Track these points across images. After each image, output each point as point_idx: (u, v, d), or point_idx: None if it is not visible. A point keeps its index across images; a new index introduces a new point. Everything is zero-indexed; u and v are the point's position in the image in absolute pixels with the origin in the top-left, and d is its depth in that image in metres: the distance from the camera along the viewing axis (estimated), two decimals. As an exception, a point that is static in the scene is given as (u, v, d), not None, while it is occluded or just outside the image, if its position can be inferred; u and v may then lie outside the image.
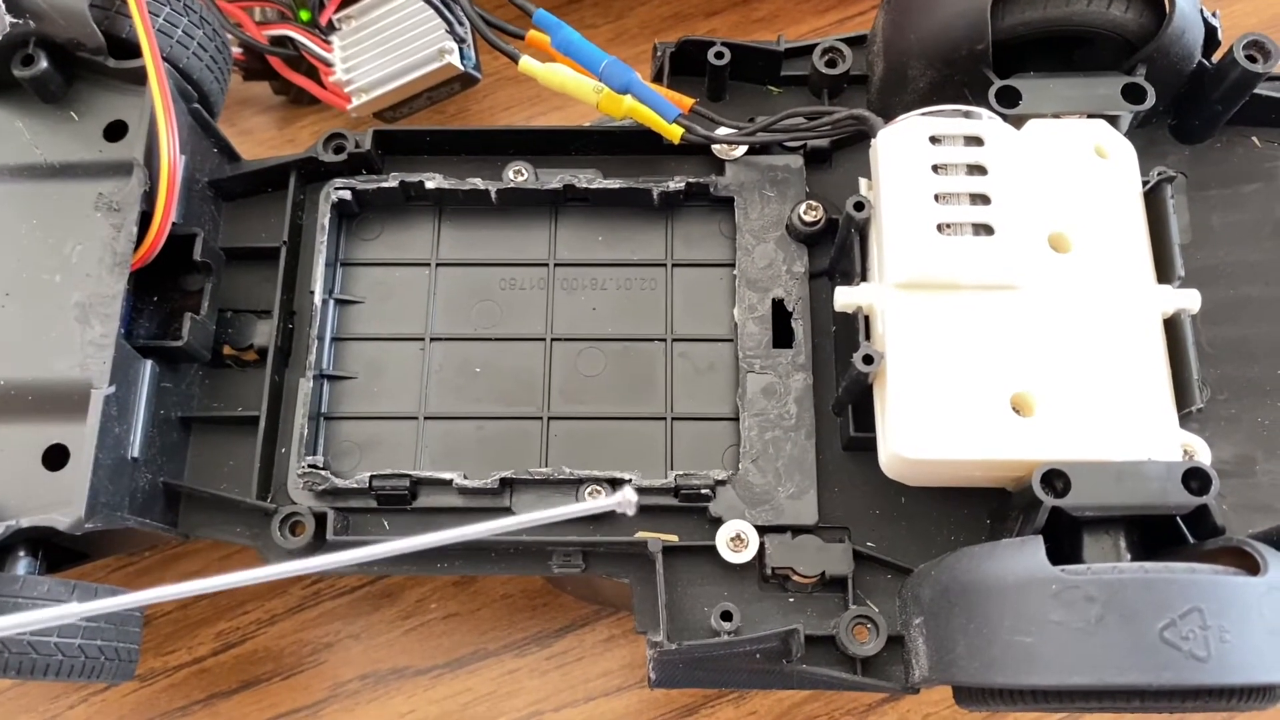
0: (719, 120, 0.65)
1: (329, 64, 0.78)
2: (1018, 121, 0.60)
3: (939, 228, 0.57)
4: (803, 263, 0.65)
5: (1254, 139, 0.67)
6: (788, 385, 0.63)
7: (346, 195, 0.67)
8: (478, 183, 0.68)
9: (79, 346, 0.58)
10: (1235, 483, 0.59)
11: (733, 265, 0.66)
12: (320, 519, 0.61)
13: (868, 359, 0.55)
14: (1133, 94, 0.61)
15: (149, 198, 0.61)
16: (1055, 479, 0.52)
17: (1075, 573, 0.48)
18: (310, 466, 0.62)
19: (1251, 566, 0.49)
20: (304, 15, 0.78)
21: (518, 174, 0.68)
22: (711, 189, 0.67)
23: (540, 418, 0.65)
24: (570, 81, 0.65)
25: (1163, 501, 0.52)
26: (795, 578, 0.59)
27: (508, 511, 0.62)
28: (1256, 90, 0.63)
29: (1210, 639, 0.46)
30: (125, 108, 0.64)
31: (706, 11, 0.90)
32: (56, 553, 0.60)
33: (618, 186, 0.67)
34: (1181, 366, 0.56)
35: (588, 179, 0.67)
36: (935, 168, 0.58)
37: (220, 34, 0.70)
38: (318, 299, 0.65)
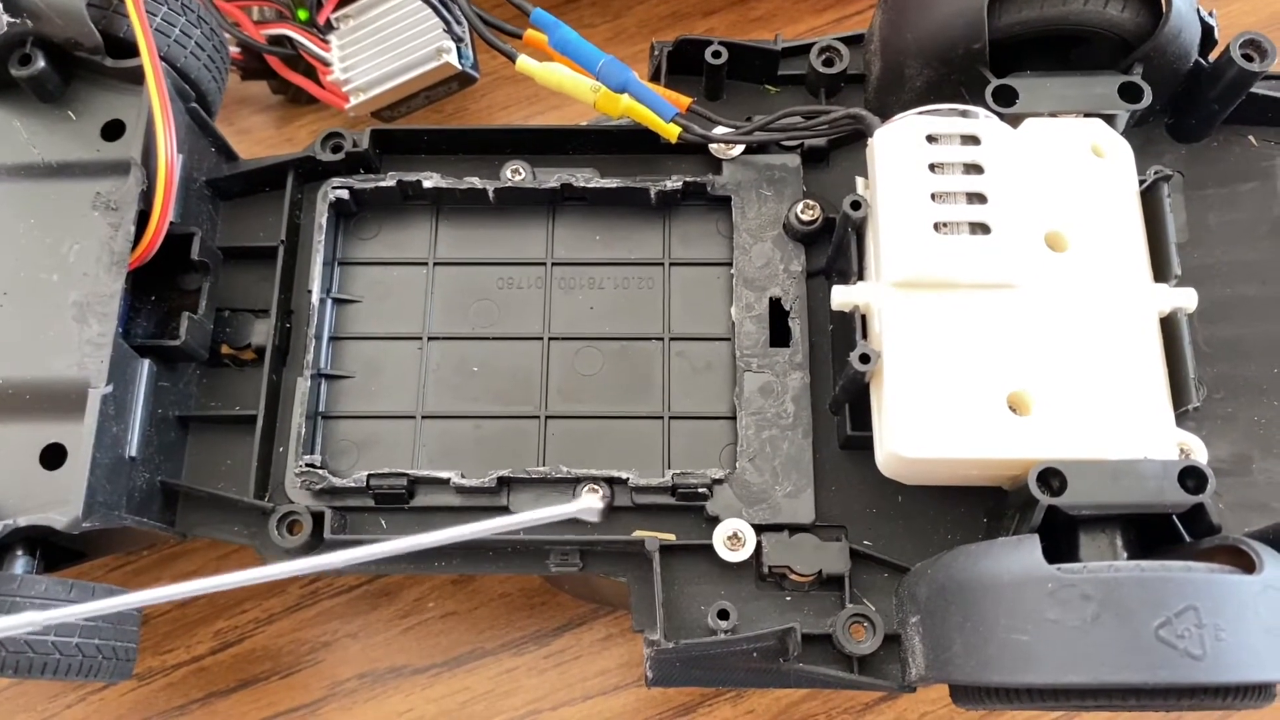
0: (716, 119, 0.65)
1: (327, 63, 0.79)
2: (1014, 120, 0.60)
3: (936, 226, 0.57)
4: (800, 262, 0.66)
5: (1250, 138, 0.67)
6: (785, 384, 0.63)
7: (344, 194, 0.67)
8: (475, 182, 0.68)
9: (76, 346, 0.58)
10: (1231, 481, 0.60)
11: (730, 264, 0.66)
12: (318, 518, 0.61)
13: (864, 358, 0.55)
14: (1129, 93, 0.61)
15: (146, 197, 0.61)
16: (1051, 478, 0.52)
17: (1071, 571, 0.48)
18: (308, 465, 0.62)
19: (1247, 565, 0.49)
20: (302, 14, 0.78)
21: (515, 173, 0.68)
22: (709, 188, 0.67)
23: (538, 417, 0.65)
24: (568, 81, 0.65)
25: (1159, 500, 0.52)
26: (792, 576, 0.59)
27: (505, 510, 0.62)
28: (1253, 89, 0.63)
29: (1206, 637, 0.46)
30: (123, 107, 0.64)
31: (704, 11, 0.90)
32: (54, 552, 0.60)
33: (615, 186, 0.67)
34: (1178, 365, 0.56)
35: (585, 178, 0.67)
36: (932, 166, 0.58)
37: (218, 33, 0.70)
38: (315, 298, 0.65)
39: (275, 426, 0.65)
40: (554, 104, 0.86)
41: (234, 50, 0.79)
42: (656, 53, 0.71)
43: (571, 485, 0.62)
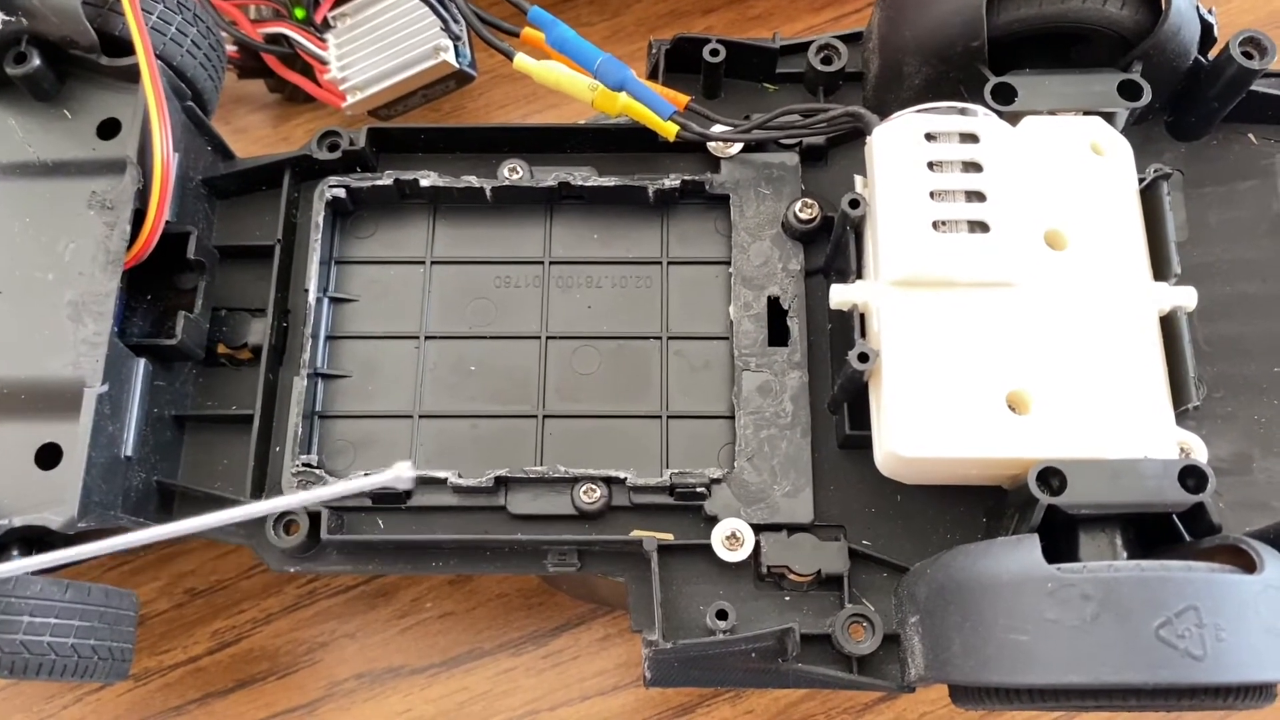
0: (714, 118, 0.64)
1: (324, 62, 0.78)
2: (1013, 118, 0.60)
3: (934, 225, 0.56)
4: (798, 260, 0.65)
5: (1250, 136, 0.67)
6: (783, 383, 0.63)
7: (341, 193, 0.67)
8: (473, 180, 0.67)
9: (72, 345, 0.58)
10: (1232, 480, 0.59)
11: (728, 263, 0.66)
12: (315, 518, 0.61)
13: (863, 357, 0.55)
14: (1129, 91, 0.61)
15: (142, 196, 0.61)
16: (1051, 477, 0.52)
17: (1071, 571, 0.48)
18: (304, 465, 0.62)
19: (1248, 564, 0.49)
20: (299, 13, 0.78)
21: (513, 172, 0.68)
22: (707, 186, 0.67)
23: (535, 416, 0.65)
24: (565, 79, 0.65)
25: (1159, 499, 0.52)
26: (791, 576, 0.59)
27: (503, 510, 0.62)
28: (1252, 87, 0.63)
29: (1206, 637, 0.46)
30: (118, 105, 0.64)
31: (702, 9, 0.90)
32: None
33: (613, 184, 0.67)
34: (1178, 364, 0.56)
35: (583, 177, 0.67)
36: (931, 165, 0.58)
37: (214, 32, 0.70)
38: (312, 297, 0.65)
39: (272, 426, 0.65)
40: (551, 102, 0.86)
41: (231, 49, 0.79)
42: (654, 51, 0.70)
43: (569, 485, 0.61)
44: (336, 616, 0.74)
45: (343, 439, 0.65)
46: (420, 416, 0.65)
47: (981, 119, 0.59)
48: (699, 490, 0.60)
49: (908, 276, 0.56)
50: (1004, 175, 0.57)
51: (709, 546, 0.59)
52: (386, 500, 0.62)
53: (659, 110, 0.63)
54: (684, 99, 0.64)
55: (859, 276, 0.60)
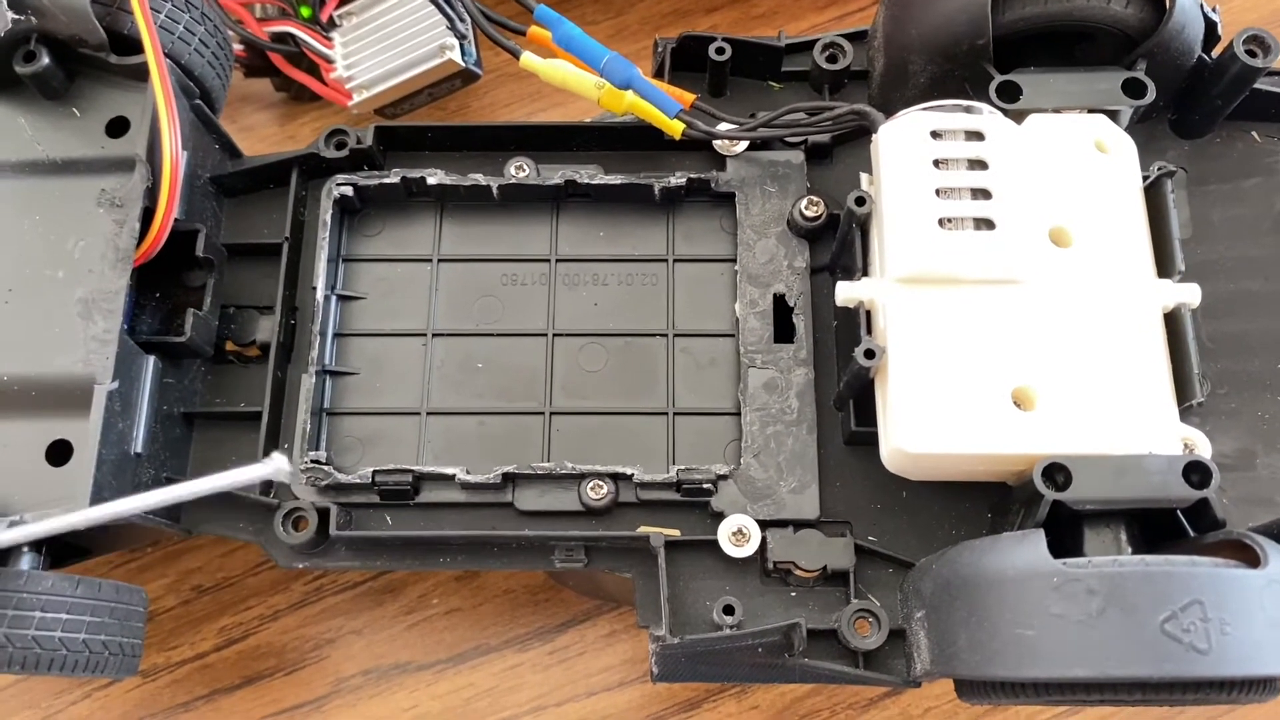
0: (720, 116, 0.65)
1: (330, 60, 0.78)
2: (1018, 116, 0.60)
3: (940, 222, 0.57)
4: (804, 258, 0.66)
5: (1254, 134, 0.67)
6: (789, 380, 0.63)
7: (348, 191, 0.67)
8: (479, 179, 0.68)
9: (82, 342, 0.58)
10: (1235, 476, 0.60)
11: (734, 260, 0.66)
12: (323, 514, 0.61)
13: (869, 353, 0.55)
14: (1133, 89, 0.61)
15: (151, 194, 0.61)
16: (1056, 473, 0.52)
17: (1076, 566, 0.48)
18: (313, 462, 0.62)
19: (1252, 559, 0.49)
20: (305, 12, 0.78)
21: (519, 170, 0.68)
22: (713, 184, 0.67)
23: (542, 413, 0.65)
24: (572, 77, 0.65)
25: (1163, 495, 0.52)
26: (797, 572, 0.59)
27: (510, 506, 0.62)
28: (1256, 85, 0.64)
29: (1211, 631, 0.46)
30: (127, 104, 0.64)
31: (706, 8, 0.90)
32: (60, 548, 0.60)
33: (619, 182, 0.67)
34: (1182, 361, 0.56)
35: (589, 175, 0.68)
36: (936, 162, 0.58)
37: (221, 30, 0.70)
38: (320, 295, 0.65)
39: (280, 423, 0.65)
40: (556, 101, 0.86)
41: (237, 47, 0.79)
42: (660, 49, 0.71)
43: (576, 481, 0.62)
44: (343, 613, 0.74)
45: (351, 436, 0.65)
46: (428, 413, 0.65)
47: (987, 117, 0.59)
48: (705, 486, 0.61)
49: (914, 273, 0.56)
50: (1009, 173, 0.58)
51: (715, 542, 0.60)
52: (394, 497, 0.62)
53: (665, 108, 0.63)
54: (690, 97, 0.64)
55: (865, 274, 0.60)
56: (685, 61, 0.70)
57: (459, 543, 0.63)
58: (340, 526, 0.61)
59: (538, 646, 0.73)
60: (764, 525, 0.60)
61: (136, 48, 0.62)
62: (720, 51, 0.68)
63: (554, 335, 0.67)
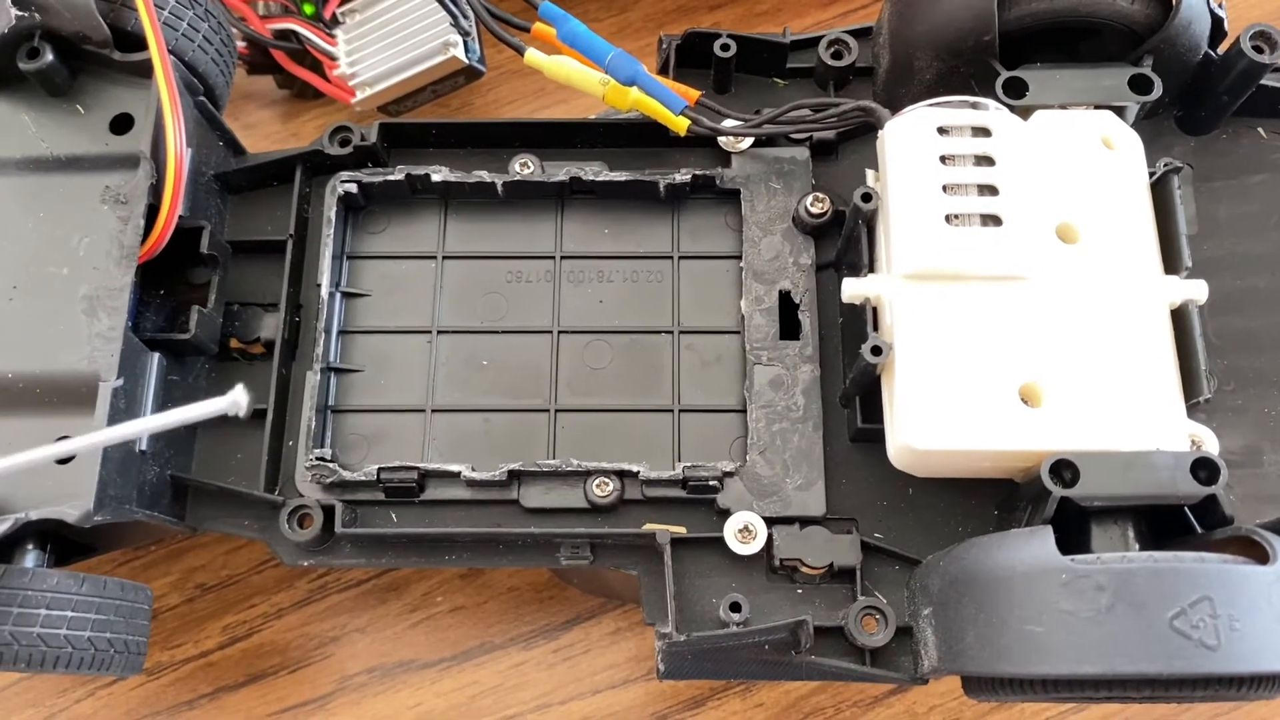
0: (725, 112, 0.64)
1: (333, 57, 0.78)
2: (1025, 112, 0.60)
3: (947, 219, 0.57)
4: (809, 254, 0.65)
5: (1260, 130, 0.67)
6: (795, 377, 0.63)
7: (352, 188, 0.67)
8: (484, 175, 0.68)
9: (87, 339, 0.58)
10: (1243, 473, 0.60)
11: (739, 257, 0.66)
12: (328, 511, 0.61)
13: (876, 350, 0.55)
14: (1139, 85, 0.61)
15: (155, 190, 0.61)
16: (1064, 469, 0.52)
17: (1084, 562, 0.48)
18: (318, 459, 0.62)
19: (1260, 556, 0.49)
20: (308, 9, 0.78)
21: (524, 167, 0.68)
22: (718, 181, 0.67)
23: (547, 410, 0.65)
24: (576, 74, 0.65)
25: (1171, 491, 0.52)
26: (803, 569, 0.59)
27: (515, 504, 0.62)
28: (1263, 81, 0.64)
29: (1220, 628, 0.46)
30: (131, 100, 0.64)
31: (709, 4, 0.90)
32: (64, 545, 0.60)
33: (624, 179, 0.67)
34: (1189, 357, 0.56)
35: (594, 171, 0.67)
36: (943, 159, 0.58)
37: (225, 27, 0.70)
38: (324, 292, 0.65)
39: (285, 420, 0.65)
40: (560, 97, 0.86)
41: (240, 44, 0.79)
42: (665, 46, 0.70)
43: (582, 478, 0.62)
44: (347, 611, 0.74)
45: (355, 433, 0.65)
46: (433, 411, 0.65)
47: (993, 113, 0.59)
48: (711, 483, 0.60)
49: (920, 270, 0.56)
50: (1016, 169, 0.58)
51: (721, 539, 0.60)
52: (400, 494, 0.62)
53: (670, 105, 0.63)
54: (695, 94, 0.64)
55: (871, 270, 0.60)
56: (690, 58, 0.70)
57: (464, 540, 0.62)
58: (345, 524, 0.61)
59: (542, 644, 0.73)
60: (770, 522, 0.60)
61: (140, 44, 0.62)
62: (725, 48, 0.68)
63: (559, 332, 0.67)
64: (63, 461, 0.57)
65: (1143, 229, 0.58)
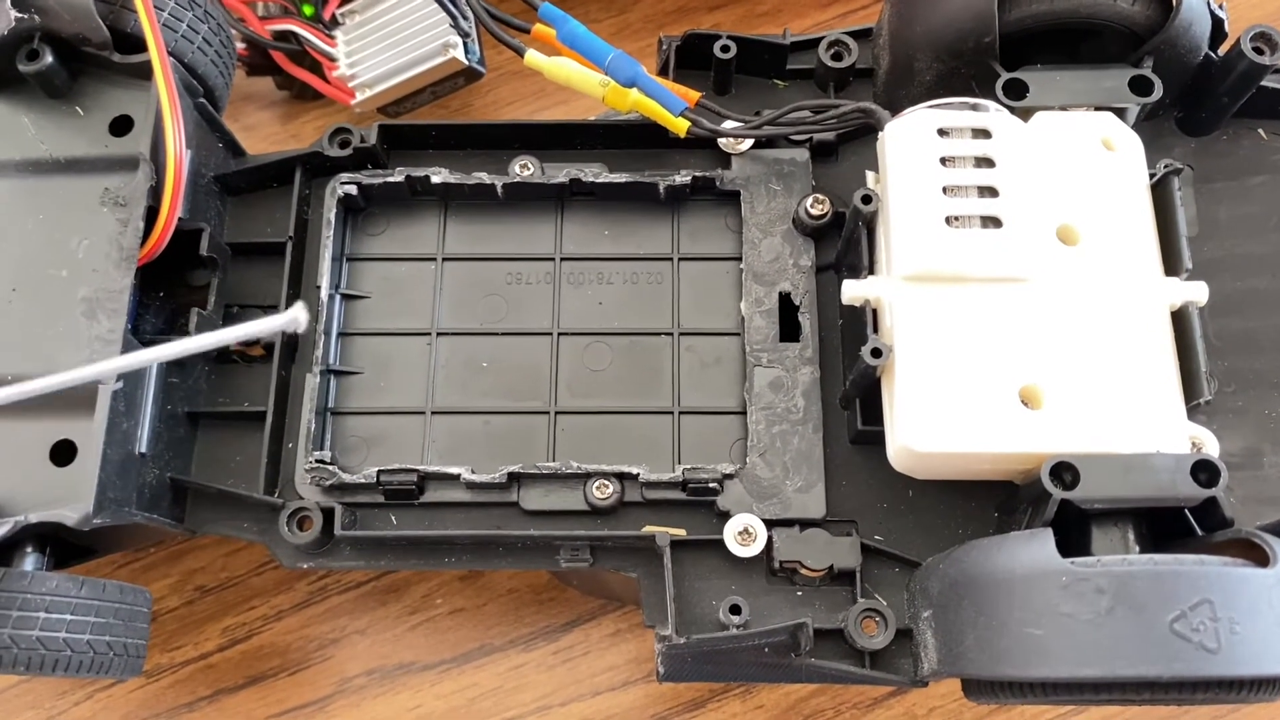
0: (725, 114, 0.64)
1: (332, 59, 0.78)
2: (1025, 114, 0.60)
3: (947, 220, 0.57)
4: (809, 256, 0.65)
5: (1260, 131, 0.67)
6: (795, 379, 0.63)
7: (352, 190, 0.67)
8: (483, 177, 0.68)
9: (86, 342, 0.58)
10: (1243, 475, 0.59)
11: (739, 259, 0.66)
12: (328, 514, 0.61)
13: (876, 352, 0.55)
14: (1140, 86, 0.61)
15: (155, 192, 0.61)
16: (1064, 471, 0.52)
17: (1085, 565, 0.48)
18: (317, 462, 0.62)
19: (1261, 558, 0.49)
20: (307, 10, 0.78)
21: (523, 168, 0.68)
22: (718, 183, 0.67)
23: (547, 412, 0.65)
24: (576, 75, 0.65)
25: (1171, 494, 0.52)
26: (803, 571, 0.59)
27: (515, 506, 0.62)
28: (1263, 82, 0.63)
29: (1220, 630, 0.46)
30: (131, 102, 0.64)
31: (709, 5, 0.90)
32: (64, 549, 0.60)
33: (624, 180, 0.67)
34: (1189, 359, 0.56)
35: (594, 173, 0.67)
36: (943, 160, 0.58)
37: (225, 28, 0.70)
38: (324, 294, 0.65)
39: (284, 422, 0.65)
40: (560, 99, 0.86)
41: (239, 46, 0.79)
42: (664, 47, 0.70)
43: (582, 480, 0.61)
44: (347, 613, 0.74)
45: (355, 435, 0.65)
46: (432, 413, 0.65)
47: (993, 114, 0.59)
48: (711, 486, 0.60)
49: (920, 272, 0.56)
50: (1016, 171, 0.58)
51: (721, 542, 0.60)
52: (399, 496, 0.62)
53: (670, 106, 0.63)
54: (695, 95, 0.64)
55: (871, 272, 0.60)
56: (690, 59, 0.70)
57: (464, 542, 0.62)
58: (345, 526, 0.61)
59: (542, 646, 0.73)
60: (770, 524, 0.60)
61: (140, 46, 0.62)
62: (725, 49, 0.68)
63: (559, 334, 0.66)
64: (62, 465, 0.57)
65: (1143, 231, 0.58)
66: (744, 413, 0.63)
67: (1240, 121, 0.67)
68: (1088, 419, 0.54)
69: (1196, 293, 0.56)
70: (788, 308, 0.65)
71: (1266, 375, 0.62)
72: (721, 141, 0.67)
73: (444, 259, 0.68)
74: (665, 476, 0.61)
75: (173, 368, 0.63)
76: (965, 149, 0.58)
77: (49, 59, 0.63)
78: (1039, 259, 0.56)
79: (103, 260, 0.60)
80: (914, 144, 0.58)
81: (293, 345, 0.66)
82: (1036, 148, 0.59)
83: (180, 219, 0.62)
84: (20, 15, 0.62)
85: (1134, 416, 0.54)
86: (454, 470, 0.61)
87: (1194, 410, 0.56)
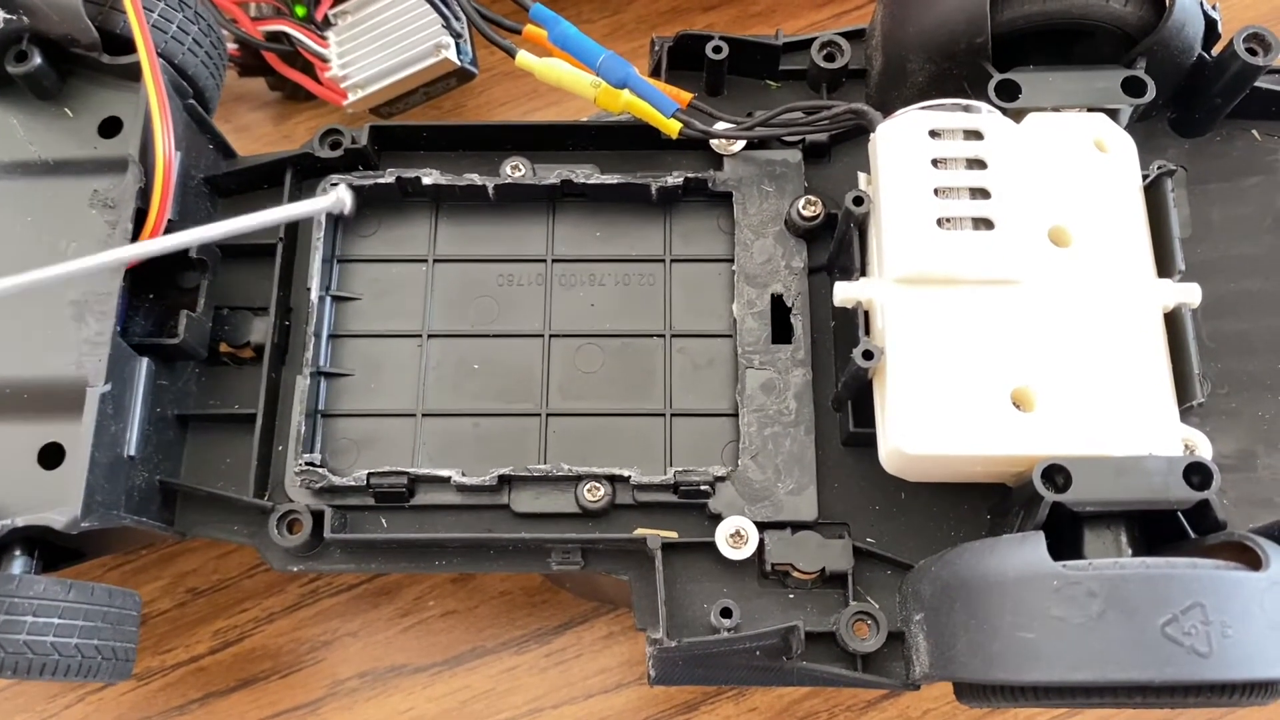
0: (717, 115, 0.64)
1: (325, 59, 0.78)
2: (1017, 115, 0.60)
3: (939, 222, 0.56)
4: (801, 258, 0.65)
5: (1254, 132, 0.67)
6: (787, 381, 0.63)
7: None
8: (475, 178, 0.67)
9: (75, 344, 0.58)
10: (1236, 477, 0.59)
11: (731, 261, 0.66)
12: (318, 517, 0.61)
13: (867, 354, 0.55)
14: (1132, 87, 0.60)
15: (144, 194, 0.61)
16: (1056, 474, 0.52)
17: (1076, 568, 0.48)
18: (307, 464, 0.62)
19: (1253, 561, 0.48)
20: (299, 10, 0.78)
21: (515, 169, 0.68)
22: (710, 184, 0.67)
23: (539, 414, 0.65)
24: (568, 76, 0.65)
25: (1164, 496, 0.51)
26: (795, 574, 0.59)
27: (506, 509, 0.62)
28: (1256, 83, 0.63)
29: (1212, 634, 0.46)
30: (120, 104, 0.64)
31: (703, 6, 0.89)
32: (52, 552, 0.59)
33: (615, 182, 0.67)
34: (1182, 361, 0.56)
35: (585, 174, 0.67)
36: (935, 162, 0.58)
37: (215, 29, 0.70)
38: (314, 296, 0.65)
39: (275, 425, 0.65)
40: (553, 100, 0.86)
41: (231, 47, 0.78)
42: (657, 48, 0.70)
43: (573, 483, 0.61)
44: (339, 615, 0.74)
45: (345, 438, 0.65)
46: (423, 415, 0.65)
47: (985, 116, 0.59)
48: (703, 488, 0.60)
49: (912, 274, 0.56)
50: (1008, 172, 0.57)
51: (713, 544, 0.59)
52: (389, 499, 0.62)
53: (662, 107, 0.63)
54: (687, 96, 0.64)
55: (863, 274, 0.60)
56: (682, 60, 0.70)
57: (454, 545, 0.62)
58: (335, 529, 0.61)
59: (534, 649, 0.73)
60: (762, 527, 0.60)
61: (129, 47, 0.62)
62: (717, 50, 0.68)
63: (550, 336, 0.66)
64: (50, 467, 0.57)
65: (1136, 232, 0.58)
66: (736, 415, 0.63)
67: (1234, 123, 0.66)
68: (1080, 421, 0.54)
69: (1189, 294, 0.56)
70: (780, 309, 0.64)
71: (1260, 377, 0.62)
72: (714, 143, 0.67)
73: (435, 260, 0.68)
74: (657, 479, 0.60)
75: (162, 370, 0.63)
76: (957, 150, 0.58)
77: (38, 60, 0.63)
78: (1031, 261, 0.56)
79: (91, 262, 0.60)
80: (906, 145, 0.58)
81: (283, 347, 0.66)
82: (1029, 149, 0.58)
83: (170, 221, 0.62)
84: (9, 16, 0.62)
85: (1126, 419, 0.54)
86: (444, 473, 0.61)
87: (1187, 412, 0.56)
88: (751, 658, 0.57)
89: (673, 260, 0.68)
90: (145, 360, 0.61)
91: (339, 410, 0.65)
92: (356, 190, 0.67)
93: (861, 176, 0.62)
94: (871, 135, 0.60)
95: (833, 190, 0.66)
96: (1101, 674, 0.47)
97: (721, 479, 0.60)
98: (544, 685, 0.72)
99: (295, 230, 0.68)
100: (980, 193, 0.57)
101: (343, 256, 0.68)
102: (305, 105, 0.86)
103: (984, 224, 0.56)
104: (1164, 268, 0.57)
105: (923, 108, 0.59)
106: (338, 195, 0.49)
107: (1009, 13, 0.61)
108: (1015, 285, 0.56)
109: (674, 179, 0.67)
